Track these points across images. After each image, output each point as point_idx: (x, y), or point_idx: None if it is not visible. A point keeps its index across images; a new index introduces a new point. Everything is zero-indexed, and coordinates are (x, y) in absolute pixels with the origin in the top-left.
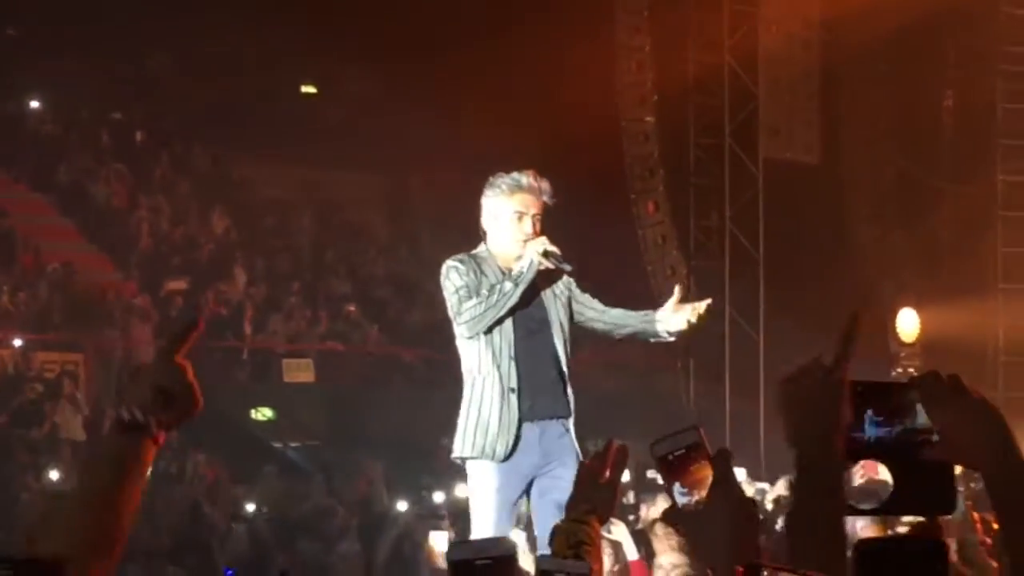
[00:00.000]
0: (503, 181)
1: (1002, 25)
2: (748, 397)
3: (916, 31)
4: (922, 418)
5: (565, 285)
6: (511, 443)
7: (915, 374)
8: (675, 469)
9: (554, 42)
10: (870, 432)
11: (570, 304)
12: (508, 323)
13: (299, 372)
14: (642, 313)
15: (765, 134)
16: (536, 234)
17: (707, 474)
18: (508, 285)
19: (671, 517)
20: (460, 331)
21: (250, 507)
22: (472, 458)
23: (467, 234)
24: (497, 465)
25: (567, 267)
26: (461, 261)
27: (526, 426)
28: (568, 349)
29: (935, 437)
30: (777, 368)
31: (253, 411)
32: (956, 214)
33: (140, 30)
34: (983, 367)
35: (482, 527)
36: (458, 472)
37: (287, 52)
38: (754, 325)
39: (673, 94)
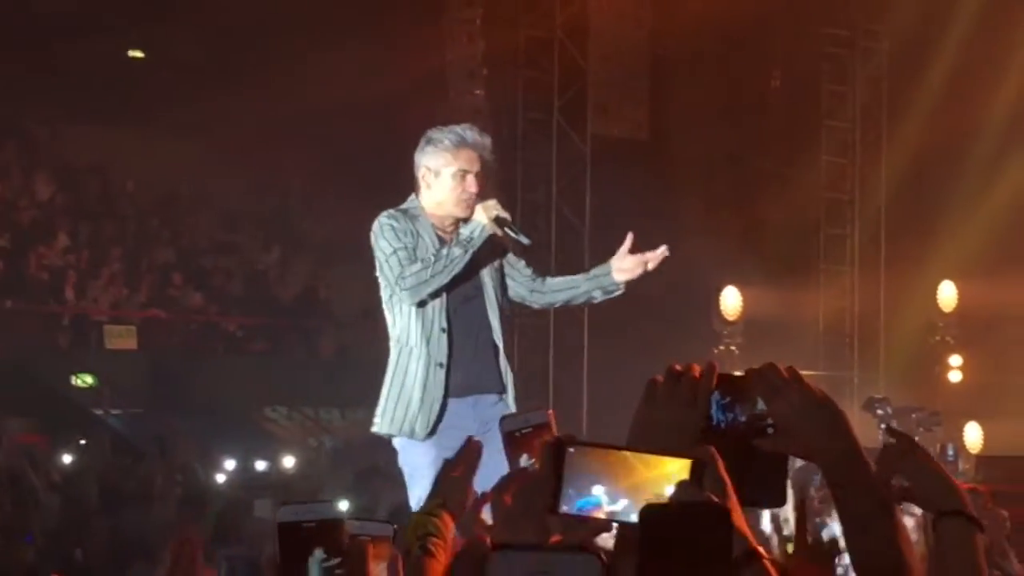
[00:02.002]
0: (446, 136)
1: (826, 7)
2: (571, 368)
3: (744, 12)
4: (760, 408)
5: (499, 250)
6: (432, 421)
7: (736, 351)
8: (522, 444)
9: (383, 12)
10: (716, 416)
11: (502, 271)
12: (443, 292)
13: (121, 339)
14: (589, 273)
15: (594, 110)
16: (478, 193)
17: None
18: (456, 251)
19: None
20: (402, 297)
21: (66, 475)
22: (391, 435)
23: (290, 197)
24: (420, 443)
25: (524, 239)
26: (395, 219)
27: (454, 402)
28: (503, 318)
29: (770, 429)
30: (598, 336)
31: (74, 377)
32: (781, 194)
33: None
34: (804, 346)
35: (415, 505)
36: (281, 441)
37: (114, 16)
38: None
39: (503, 68)
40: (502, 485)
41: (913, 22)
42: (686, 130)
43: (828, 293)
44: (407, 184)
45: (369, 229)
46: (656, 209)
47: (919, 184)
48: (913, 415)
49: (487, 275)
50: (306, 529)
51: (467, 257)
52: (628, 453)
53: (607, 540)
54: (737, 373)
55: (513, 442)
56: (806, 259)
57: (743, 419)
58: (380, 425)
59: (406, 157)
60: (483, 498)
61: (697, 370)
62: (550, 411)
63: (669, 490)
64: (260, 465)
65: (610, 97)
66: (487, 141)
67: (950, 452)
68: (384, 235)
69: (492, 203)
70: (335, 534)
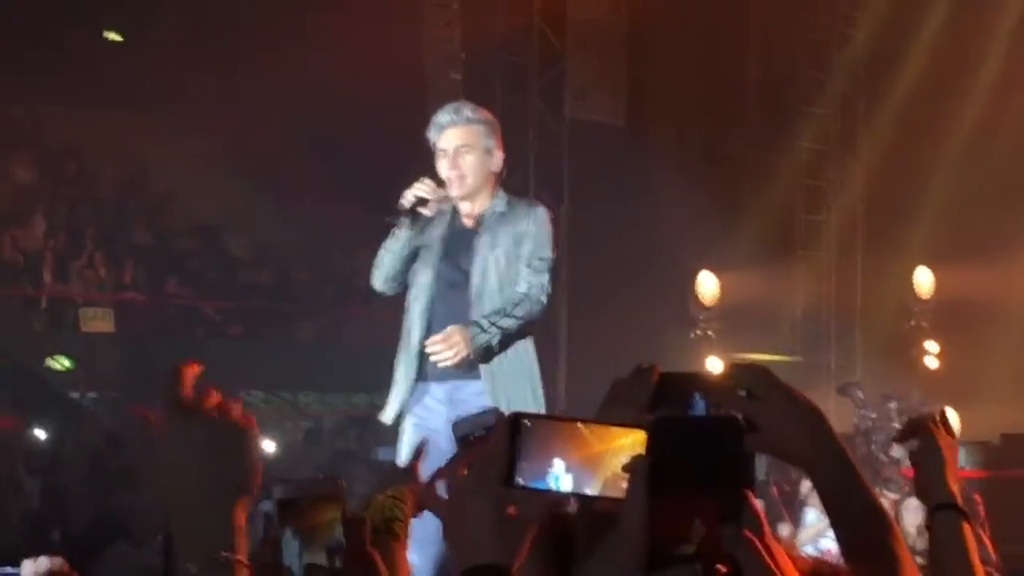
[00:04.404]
0: (431, 124)
1: None
2: (548, 353)
3: None
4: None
5: (517, 240)
6: (402, 404)
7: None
8: (474, 448)
9: None
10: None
11: (509, 261)
12: (429, 275)
13: (98, 322)
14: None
15: (572, 95)
16: (458, 169)
17: None
18: (392, 235)
19: None
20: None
21: (43, 458)
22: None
23: (269, 179)
24: (405, 425)
25: (426, 211)
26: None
27: (431, 386)
28: (498, 300)
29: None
30: (579, 324)
31: (49, 360)
32: (759, 181)
33: None
34: (781, 331)
35: None
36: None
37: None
38: (555, 282)
39: (481, 52)
40: (455, 461)
41: (891, 8)
42: (664, 115)
43: (805, 279)
44: (382, 165)
45: (344, 211)
46: (633, 194)
47: (896, 171)
48: (892, 403)
49: (482, 261)
50: (304, 506)
51: (400, 242)
52: (582, 425)
53: None
54: (717, 372)
55: (466, 446)
56: (783, 245)
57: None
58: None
59: (382, 139)
60: (437, 473)
61: (657, 372)
62: (501, 412)
63: (622, 462)
64: None
65: (588, 82)
66: (469, 112)
67: None
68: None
69: (420, 183)
70: (333, 511)
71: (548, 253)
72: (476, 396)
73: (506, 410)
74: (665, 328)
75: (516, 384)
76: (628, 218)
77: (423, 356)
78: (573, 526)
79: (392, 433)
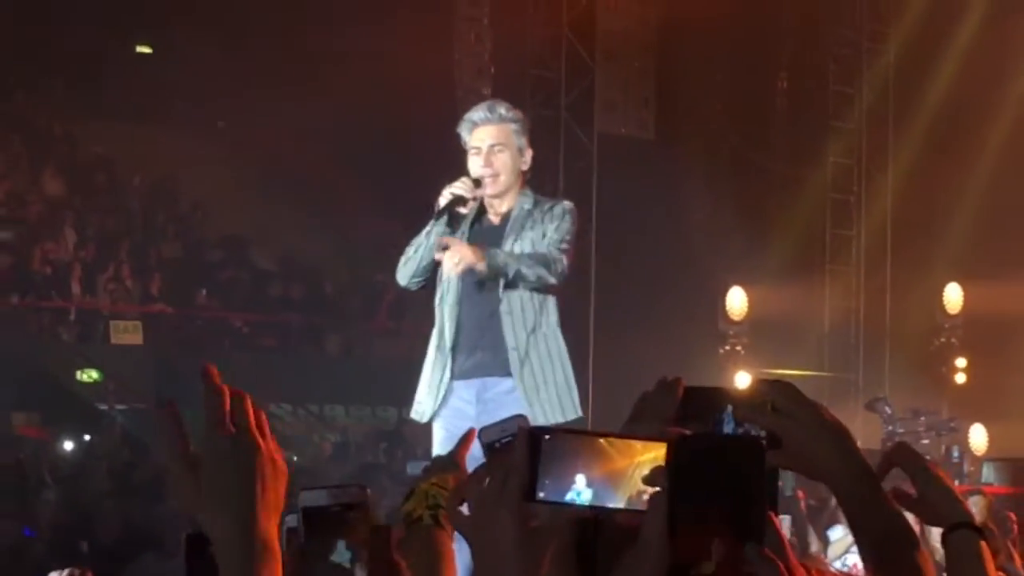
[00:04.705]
0: (463, 121)
1: (833, 8)
2: (575, 368)
3: (752, 13)
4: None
5: (543, 233)
6: (436, 405)
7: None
8: (501, 455)
9: (391, 9)
10: (727, 431)
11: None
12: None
13: (127, 334)
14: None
15: (601, 109)
16: (491, 167)
17: None
18: (424, 232)
19: None
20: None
21: (70, 469)
22: (412, 418)
23: (298, 192)
24: (435, 425)
25: (463, 209)
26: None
27: (459, 384)
28: (522, 298)
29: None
30: (606, 338)
31: (79, 372)
32: (788, 195)
33: None
34: (809, 347)
35: None
36: (285, 438)
37: (123, 12)
38: (584, 295)
39: (510, 66)
40: (481, 469)
41: (920, 24)
42: (693, 130)
43: (834, 294)
44: (414, 179)
45: (373, 224)
46: (662, 209)
47: (925, 186)
48: (922, 418)
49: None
50: (331, 513)
51: (431, 240)
52: (602, 440)
53: None
54: (743, 388)
55: (494, 452)
56: (812, 260)
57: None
58: (412, 409)
59: (413, 153)
60: (465, 441)
61: (681, 385)
62: (527, 418)
63: (640, 472)
64: None
65: (617, 96)
66: (503, 110)
67: (955, 454)
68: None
69: (458, 181)
70: (361, 518)
71: (570, 240)
72: (505, 395)
73: (539, 407)
74: (694, 343)
75: (549, 381)
76: (657, 231)
77: (455, 355)
78: (594, 541)
79: (422, 446)
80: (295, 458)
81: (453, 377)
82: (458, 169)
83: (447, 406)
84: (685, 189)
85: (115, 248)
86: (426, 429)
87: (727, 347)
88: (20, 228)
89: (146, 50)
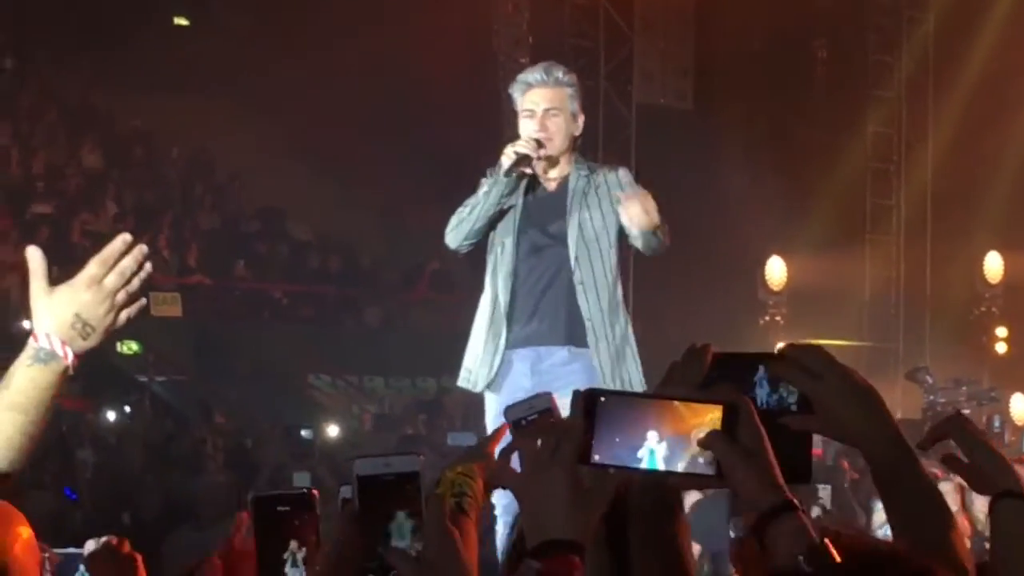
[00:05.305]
0: (516, 82)
1: None
2: None
3: None
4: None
5: (609, 198)
6: (492, 373)
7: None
8: (527, 432)
9: None
10: (760, 396)
11: (604, 226)
12: (510, 239)
13: (166, 306)
14: None
15: (639, 79)
16: (546, 131)
17: None
18: (481, 192)
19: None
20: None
21: (111, 439)
22: (462, 386)
23: (334, 165)
24: (487, 395)
25: (531, 168)
26: (486, 174)
27: (516, 353)
28: (590, 267)
29: (794, 407)
30: (646, 309)
31: (119, 344)
32: (827, 164)
33: None
34: (849, 316)
35: None
36: (325, 409)
37: None
38: (622, 266)
39: (549, 36)
40: (508, 448)
41: None
42: (731, 99)
43: (874, 264)
44: (453, 149)
45: (411, 195)
46: (701, 179)
47: (965, 154)
48: (964, 387)
49: (577, 217)
50: (385, 482)
51: (490, 198)
52: (659, 401)
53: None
54: (776, 351)
55: (520, 430)
56: (852, 229)
57: (791, 400)
58: (459, 376)
59: (449, 122)
60: (497, 434)
61: (710, 352)
62: (552, 396)
63: (698, 435)
64: (304, 433)
65: (655, 65)
66: (560, 73)
67: (996, 424)
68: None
69: (522, 139)
70: (413, 486)
71: None
72: (560, 366)
73: (610, 384)
74: (733, 313)
75: (624, 356)
76: (696, 202)
77: (510, 324)
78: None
79: (461, 417)
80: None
81: (508, 346)
82: (495, 137)
83: (502, 375)
84: (724, 159)
85: (154, 220)
86: (467, 400)
87: (767, 317)
88: (60, 200)
89: (183, 22)
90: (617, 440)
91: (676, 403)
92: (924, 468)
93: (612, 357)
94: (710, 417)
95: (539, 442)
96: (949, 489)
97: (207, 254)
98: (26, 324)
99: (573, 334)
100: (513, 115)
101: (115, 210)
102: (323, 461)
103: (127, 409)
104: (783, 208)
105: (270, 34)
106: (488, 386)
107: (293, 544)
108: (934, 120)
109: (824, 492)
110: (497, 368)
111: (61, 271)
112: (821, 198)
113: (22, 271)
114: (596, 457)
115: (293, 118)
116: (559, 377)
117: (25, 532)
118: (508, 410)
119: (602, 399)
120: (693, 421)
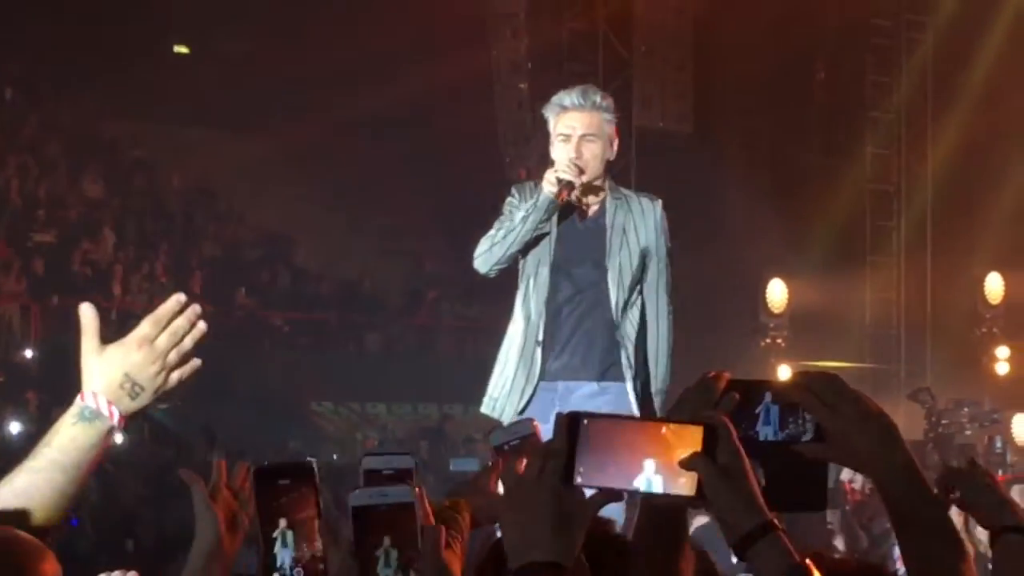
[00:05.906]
0: (550, 103)
1: None
2: None
3: (789, 3)
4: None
5: (649, 233)
6: (523, 404)
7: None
8: (510, 457)
9: (427, 8)
10: (764, 430)
11: (644, 259)
12: (545, 266)
13: None
14: None
15: (638, 103)
16: (581, 157)
17: None
18: (518, 217)
19: None
20: (477, 269)
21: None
22: (487, 416)
23: (337, 191)
24: None
25: (573, 195)
26: (520, 190)
27: (544, 386)
28: (630, 301)
29: (807, 436)
30: None
31: None
32: (827, 186)
33: None
34: (850, 338)
35: None
36: (327, 435)
37: (160, 11)
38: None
39: (547, 61)
40: (487, 472)
41: (958, 13)
42: (730, 122)
43: (874, 285)
44: (450, 175)
45: (411, 221)
46: (701, 202)
47: (965, 175)
48: (966, 408)
49: (618, 251)
50: (379, 513)
51: (527, 226)
52: (641, 423)
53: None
54: (785, 380)
55: (502, 454)
56: (852, 251)
57: (804, 430)
58: (483, 405)
59: (451, 150)
60: (493, 467)
61: (725, 379)
62: (535, 422)
63: (680, 456)
64: (310, 459)
65: (654, 89)
66: (599, 98)
67: (998, 444)
68: (505, 207)
69: (561, 165)
70: (408, 515)
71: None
72: (587, 399)
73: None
74: (734, 336)
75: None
76: (696, 225)
77: (545, 353)
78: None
79: (464, 443)
80: (335, 456)
81: (541, 378)
82: (496, 163)
83: (531, 406)
84: (724, 182)
85: (154, 249)
86: (469, 425)
87: (768, 340)
88: (60, 229)
89: (183, 50)
90: (603, 462)
91: (659, 425)
92: (936, 497)
93: (647, 395)
94: (692, 439)
95: (523, 464)
96: (952, 513)
97: (208, 282)
98: (28, 352)
99: (606, 372)
100: (516, 137)
101: (115, 239)
102: (327, 487)
103: (127, 436)
104: (783, 230)
105: (271, 62)
106: (519, 415)
107: (290, 518)
108: (933, 141)
109: (833, 517)
110: (529, 398)
111: (62, 299)
112: (821, 220)
113: (75, 329)
114: (579, 479)
115: (294, 146)
116: (588, 408)
117: (52, 570)
118: (492, 435)
119: (584, 422)
120: (676, 443)
